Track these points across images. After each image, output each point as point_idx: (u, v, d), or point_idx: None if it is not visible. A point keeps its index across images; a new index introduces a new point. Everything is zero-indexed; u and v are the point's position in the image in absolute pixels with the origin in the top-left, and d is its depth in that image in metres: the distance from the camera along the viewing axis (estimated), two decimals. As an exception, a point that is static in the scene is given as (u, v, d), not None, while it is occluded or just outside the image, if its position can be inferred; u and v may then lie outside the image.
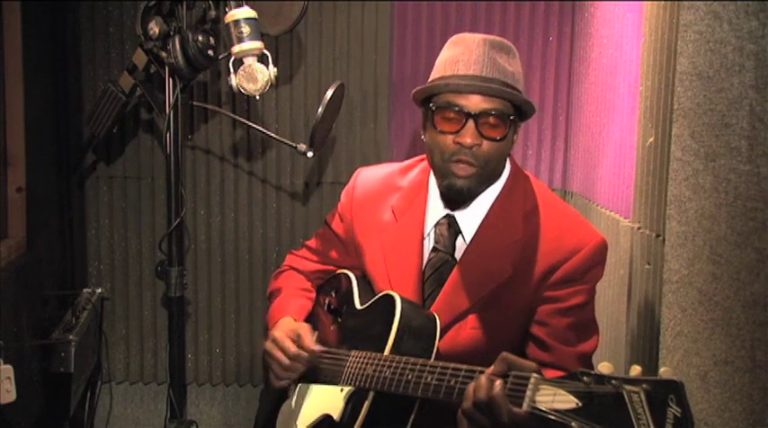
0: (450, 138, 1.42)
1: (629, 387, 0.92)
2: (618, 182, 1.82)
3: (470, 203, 1.51)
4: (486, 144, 1.41)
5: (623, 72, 1.80)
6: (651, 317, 1.46)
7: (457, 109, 1.40)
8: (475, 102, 1.40)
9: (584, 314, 1.48)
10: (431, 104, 1.45)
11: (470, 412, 1.13)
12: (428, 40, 2.41)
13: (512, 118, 1.43)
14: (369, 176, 1.68)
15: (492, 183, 1.50)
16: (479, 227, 1.50)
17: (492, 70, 1.41)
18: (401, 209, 1.58)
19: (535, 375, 1.06)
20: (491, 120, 1.40)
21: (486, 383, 1.11)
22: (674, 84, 1.30)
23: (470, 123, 1.39)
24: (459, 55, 1.43)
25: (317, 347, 1.51)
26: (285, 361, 1.51)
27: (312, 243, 1.78)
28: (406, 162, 1.68)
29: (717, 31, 1.19)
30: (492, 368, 1.14)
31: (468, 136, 1.39)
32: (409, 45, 2.42)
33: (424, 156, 1.63)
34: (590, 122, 2.15)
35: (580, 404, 0.96)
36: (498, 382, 1.10)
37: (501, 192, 1.51)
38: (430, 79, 1.49)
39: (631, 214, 1.66)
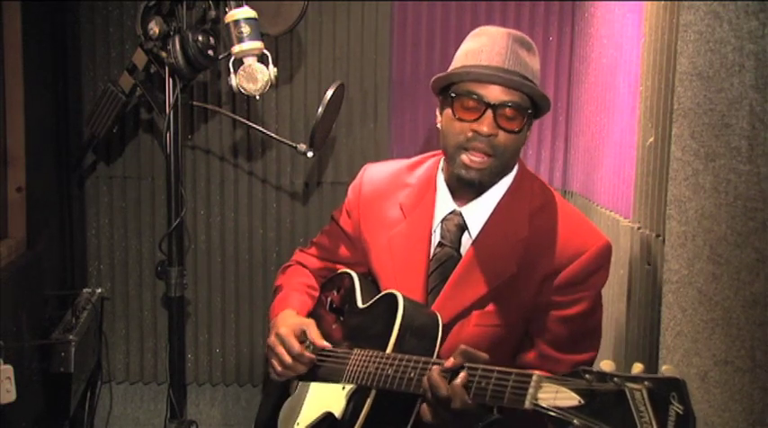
0: (467, 125, 1.42)
1: (631, 385, 0.92)
2: (618, 182, 1.82)
3: (478, 199, 1.51)
4: (502, 135, 1.42)
5: (623, 72, 1.80)
6: (651, 317, 1.46)
7: (477, 97, 1.41)
8: (495, 93, 1.41)
9: (588, 324, 1.47)
10: (450, 92, 1.46)
11: (432, 404, 1.23)
12: (428, 39, 2.41)
13: (529, 111, 1.44)
14: (376, 173, 1.69)
15: (501, 178, 1.51)
16: (485, 224, 1.50)
17: (514, 63, 1.42)
18: (410, 205, 1.59)
19: (537, 373, 1.07)
20: (509, 111, 1.41)
21: (437, 377, 1.22)
22: (674, 84, 1.30)
23: (489, 113, 1.40)
24: (483, 46, 1.44)
25: (325, 343, 1.51)
26: (287, 359, 1.51)
27: (319, 239, 1.78)
28: (414, 158, 1.68)
29: (717, 31, 1.19)
30: (451, 360, 1.22)
31: (486, 125, 1.40)
32: (409, 45, 2.42)
33: (432, 152, 1.64)
34: (590, 122, 2.15)
35: (582, 401, 0.97)
36: (436, 368, 1.22)
37: (508, 190, 1.52)
38: (451, 68, 1.49)
39: (631, 214, 1.66)
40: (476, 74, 1.42)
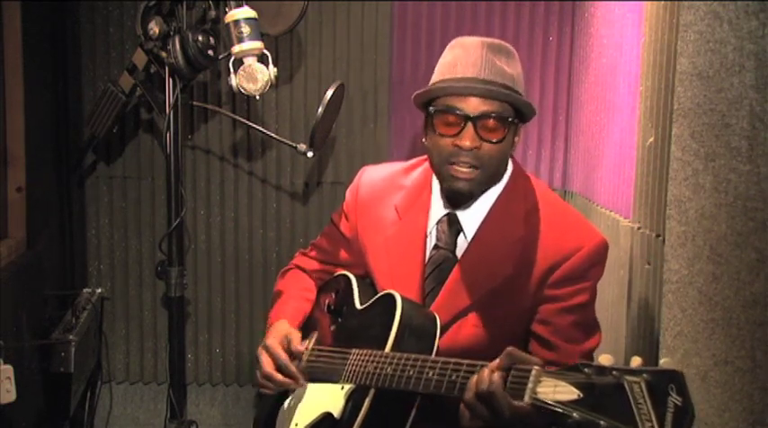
0: (449, 140, 1.42)
1: (629, 378, 0.93)
2: (618, 182, 1.82)
3: (472, 203, 1.51)
4: (485, 146, 1.41)
5: (623, 72, 1.80)
6: (651, 317, 1.46)
7: (456, 112, 1.40)
8: (474, 105, 1.40)
9: (587, 312, 1.48)
10: (430, 108, 1.46)
11: (472, 403, 1.16)
12: (428, 40, 2.41)
13: (510, 120, 1.43)
14: (373, 175, 1.69)
15: (493, 184, 1.51)
16: (481, 226, 1.50)
17: (490, 73, 1.41)
18: (404, 207, 1.59)
19: (536, 367, 1.07)
20: (490, 122, 1.40)
21: (487, 376, 1.14)
22: (674, 84, 1.30)
23: (469, 126, 1.40)
24: (458, 58, 1.44)
25: (303, 347, 1.52)
26: (270, 369, 1.51)
27: (319, 241, 1.79)
28: (410, 161, 1.68)
29: (717, 31, 1.19)
30: (497, 361, 1.15)
31: (468, 138, 1.40)
32: (409, 45, 2.42)
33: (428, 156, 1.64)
34: (590, 122, 2.15)
35: (581, 395, 0.97)
36: (497, 375, 1.12)
37: (502, 192, 1.52)
38: (430, 83, 1.49)
39: (631, 214, 1.66)
40: (452, 88, 1.41)
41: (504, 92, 1.40)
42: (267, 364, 1.51)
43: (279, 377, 1.51)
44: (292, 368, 1.50)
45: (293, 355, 1.51)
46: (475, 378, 1.17)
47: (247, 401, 2.61)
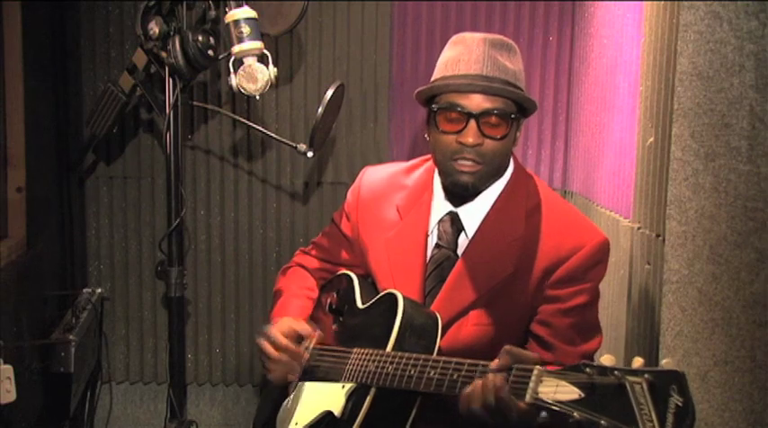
0: (452, 137, 1.43)
1: (631, 378, 0.93)
2: (618, 182, 1.82)
3: (474, 200, 1.51)
4: (488, 142, 1.42)
5: (623, 72, 1.80)
6: (651, 317, 1.46)
7: (459, 109, 1.41)
8: (476, 102, 1.40)
9: (587, 315, 1.48)
10: (433, 105, 1.46)
11: (479, 412, 1.15)
12: (428, 40, 2.41)
13: (513, 116, 1.43)
14: (374, 175, 1.70)
15: (495, 180, 1.51)
16: (482, 224, 1.51)
17: (493, 69, 1.42)
18: (406, 207, 1.59)
19: (538, 367, 1.07)
20: (493, 119, 1.41)
21: (491, 386, 1.13)
22: (674, 84, 1.30)
23: (472, 123, 1.40)
24: (460, 54, 1.44)
25: (309, 329, 1.53)
26: (273, 352, 1.52)
27: (320, 240, 1.79)
28: (411, 161, 1.69)
29: (717, 31, 1.20)
30: (497, 361, 1.15)
31: (471, 135, 1.40)
32: (409, 45, 2.42)
33: (429, 155, 1.64)
34: (590, 122, 2.15)
35: (583, 394, 0.97)
36: (500, 379, 1.12)
37: (504, 190, 1.52)
38: (432, 79, 1.49)
39: (631, 214, 1.66)
40: (455, 85, 1.42)
41: (507, 88, 1.41)
42: (270, 349, 1.53)
43: (285, 358, 1.52)
44: (293, 348, 1.52)
45: (301, 337, 1.53)
46: (479, 386, 1.16)
47: (247, 401, 2.61)
